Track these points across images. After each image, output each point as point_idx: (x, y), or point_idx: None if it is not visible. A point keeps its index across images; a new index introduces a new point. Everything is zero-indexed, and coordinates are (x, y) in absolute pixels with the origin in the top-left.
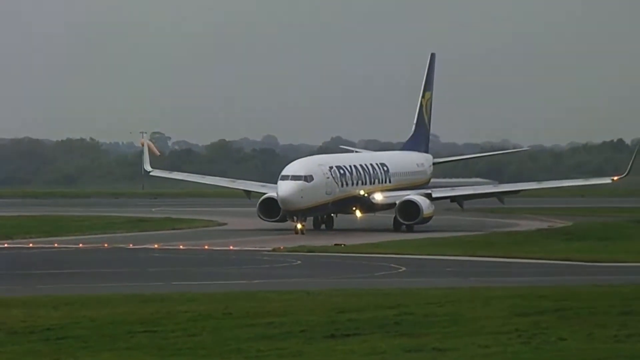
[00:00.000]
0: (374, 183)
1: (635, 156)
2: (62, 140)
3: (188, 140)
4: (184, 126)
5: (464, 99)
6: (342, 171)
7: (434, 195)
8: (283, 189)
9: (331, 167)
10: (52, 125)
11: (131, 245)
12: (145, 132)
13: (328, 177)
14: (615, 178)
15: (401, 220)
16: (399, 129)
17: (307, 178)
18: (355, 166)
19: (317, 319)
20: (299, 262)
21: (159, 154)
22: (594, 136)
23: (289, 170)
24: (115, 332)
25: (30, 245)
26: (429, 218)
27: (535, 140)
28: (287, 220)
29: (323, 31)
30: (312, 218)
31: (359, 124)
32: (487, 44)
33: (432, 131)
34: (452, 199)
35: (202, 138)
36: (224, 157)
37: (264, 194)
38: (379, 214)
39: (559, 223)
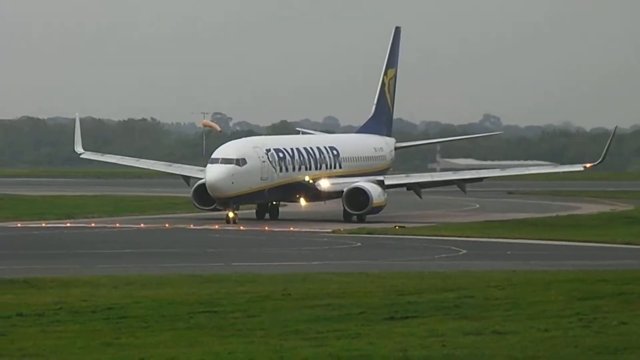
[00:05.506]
0: (320, 168)
1: (610, 142)
2: (123, 121)
3: (249, 122)
4: (245, 107)
5: (527, 80)
6: (281, 154)
7: (386, 183)
8: (211, 173)
9: (268, 150)
10: (114, 105)
11: (192, 225)
12: (207, 113)
13: (264, 161)
14: (588, 165)
15: (349, 210)
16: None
17: (240, 161)
18: (298, 149)
19: (376, 301)
20: (359, 244)
21: (220, 129)
22: None
23: (219, 152)
24: (175, 312)
25: (92, 225)
26: (380, 207)
27: (598, 122)
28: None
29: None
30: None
31: (422, 104)
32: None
33: (494, 113)
34: (408, 186)
35: (263, 119)
36: None
37: (202, 179)
38: (329, 203)
39: (621, 207)
